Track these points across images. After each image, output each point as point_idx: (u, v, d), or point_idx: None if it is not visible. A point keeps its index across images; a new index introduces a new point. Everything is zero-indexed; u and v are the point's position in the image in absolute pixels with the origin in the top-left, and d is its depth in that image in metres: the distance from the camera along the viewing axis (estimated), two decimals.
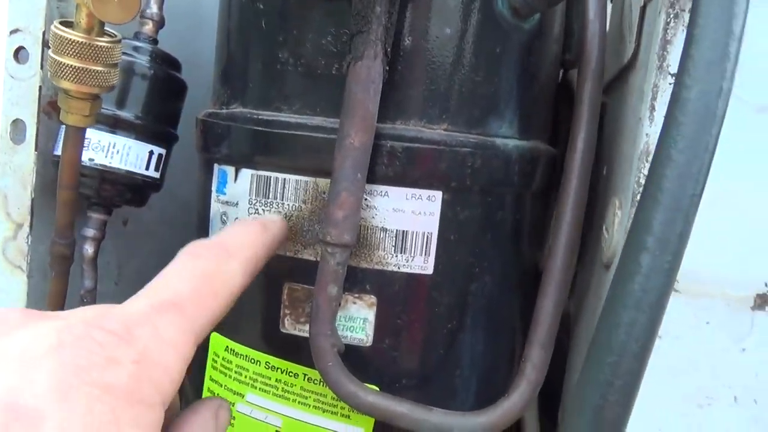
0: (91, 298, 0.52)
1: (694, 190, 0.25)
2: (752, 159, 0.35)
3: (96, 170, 0.47)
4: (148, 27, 0.52)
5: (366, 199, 0.45)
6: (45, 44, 0.49)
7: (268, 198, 0.47)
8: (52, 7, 0.51)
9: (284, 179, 0.46)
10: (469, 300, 0.48)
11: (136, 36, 0.51)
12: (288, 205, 0.46)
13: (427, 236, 0.45)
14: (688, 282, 0.36)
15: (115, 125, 0.47)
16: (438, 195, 0.45)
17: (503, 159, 0.47)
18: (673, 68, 0.38)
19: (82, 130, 0.41)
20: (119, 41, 0.39)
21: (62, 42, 0.36)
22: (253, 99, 0.48)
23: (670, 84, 0.38)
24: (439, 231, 0.46)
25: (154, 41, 0.52)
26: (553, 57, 0.52)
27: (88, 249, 0.51)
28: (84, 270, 0.51)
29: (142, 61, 0.49)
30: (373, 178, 0.45)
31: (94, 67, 0.38)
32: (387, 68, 0.42)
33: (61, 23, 0.37)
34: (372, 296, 0.46)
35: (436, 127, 0.45)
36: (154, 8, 0.52)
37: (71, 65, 0.37)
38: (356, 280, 0.46)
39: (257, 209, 0.47)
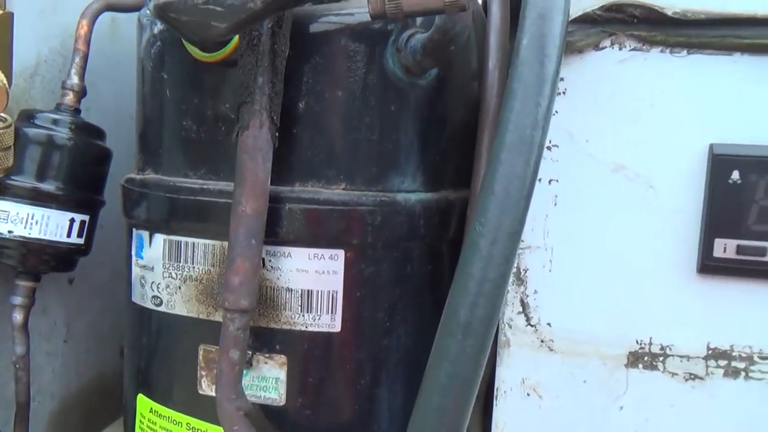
0: (23, 364, 0.53)
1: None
2: (614, 217, 0.35)
3: (16, 242, 0.49)
4: (69, 98, 0.54)
5: (270, 261, 0.46)
6: None
7: (180, 262, 0.48)
8: None
9: (193, 243, 0.48)
10: (382, 355, 0.48)
11: (58, 107, 0.54)
12: (198, 268, 0.47)
13: (333, 294, 0.46)
14: (563, 341, 0.36)
15: (35, 197, 0.49)
16: (340, 254, 0.46)
17: (406, 214, 0.47)
18: None
19: None
20: (10, 125, 0.41)
21: None
22: (163, 165, 0.50)
23: None
24: (344, 289, 0.46)
25: (76, 111, 0.54)
26: (468, 98, 0.52)
27: (17, 316, 0.52)
28: (14, 337, 0.53)
29: (62, 133, 0.51)
30: (275, 240, 0.46)
31: None
32: (277, 135, 0.44)
33: None
34: (282, 356, 0.47)
35: (335, 187, 0.46)
36: (74, 79, 0.54)
37: None
38: (266, 341, 0.47)
39: (171, 273, 0.48)
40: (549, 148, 0.37)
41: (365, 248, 0.46)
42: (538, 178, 0.38)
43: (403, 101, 0.47)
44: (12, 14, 0.37)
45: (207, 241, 0.47)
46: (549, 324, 0.36)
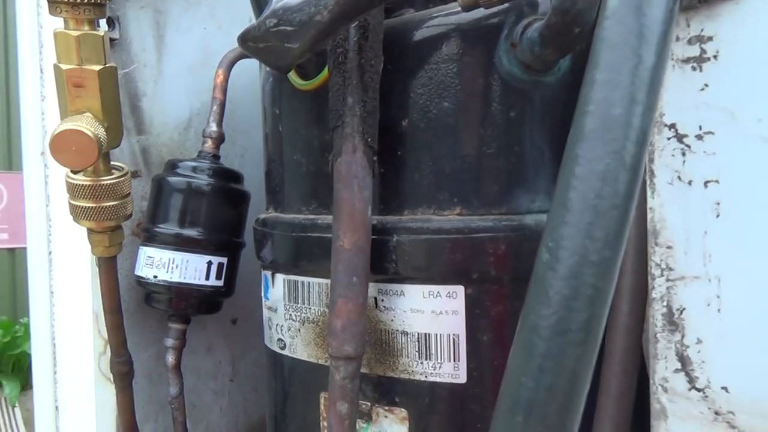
0: (178, 404, 0.55)
1: None
2: None
3: (162, 285, 0.52)
4: (208, 145, 0.56)
5: (382, 300, 0.41)
6: None
7: (298, 303, 0.45)
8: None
9: (309, 283, 0.45)
10: None
11: (199, 154, 0.56)
12: (314, 309, 0.44)
13: (454, 338, 0.39)
14: (751, 416, 0.24)
15: (178, 243, 0.51)
16: (459, 290, 0.39)
17: (537, 240, 0.38)
18: (670, 118, 0.28)
19: (112, 260, 0.46)
20: (126, 174, 0.42)
21: (74, 188, 0.41)
22: (281, 203, 0.48)
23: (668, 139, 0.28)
24: (467, 332, 0.39)
25: (216, 157, 0.56)
26: None
27: (170, 358, 0.55)
28: (169, 378, 0.55)
29: (201, 180, 0.52)
30: (385, 276, 0.40)
31: (106, 204, 0.42)
32: (375, 159, 0.39)
33: (73, 171, 0.41)
34: (402, 410, 0.41)
35: (448, 213, 0.39)
36: (213, 126, 0.57)
37: (86, 206, 0.41)
38: (384, 391, 0.41)
39: (291, 314, 0.46)
40: (701, 137, 0.26)
41: (489, 283, 0.39)
42: (687, 180, 0.27)
43: (526, 105, 0.39)
44: (115, 68, 0.39)
45: (320, 281, 0.44)
46: (725, 389, 0.24)
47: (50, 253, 1.01)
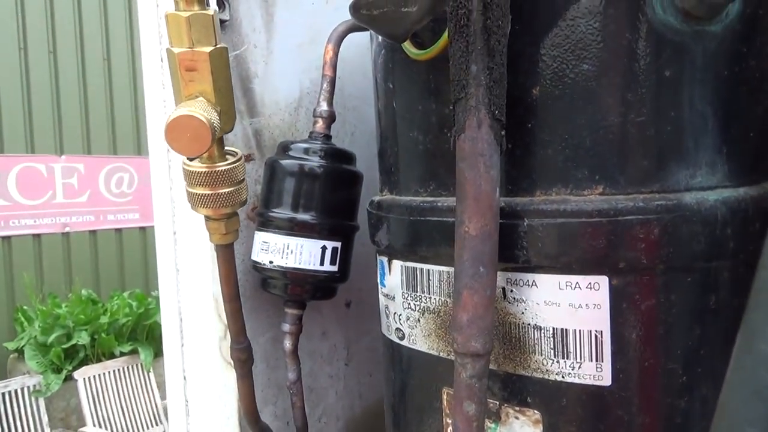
0: (296, 389, 0.54)
1: None
2: None
3: (277, 271, 0.51)
4: (319, 125, 0.54)
5: (511, 291, 0.37)
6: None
7: (417, 291, 0.42)
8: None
9: (428, 270, 0.41)
10: (678, 422, 0.34)
11: (310, 135, 0.54)
12: (435, 299, 0.41)
13: (596, 335, 0.34)
14: None
15: (292, 228, 0.50)
16: (603, 281, 0.34)
17: (701, 222, 0.33)
18: None
19: (229, 247, 0.45)
20: (240, 159, 0.41)
21: (190, 175, 0.40)
22: (398, 184, 0.45)
23: None
24: (612, 328, 0.34)
25: (327, 137, 0.54)
26: None
27: (287, 343, 0.54)
28: (287, 363, 0.54)
29: (313, 162, 0.50)
30: (516, 265, 0.36)
31: (222, 190, 0.41)
32: (503, 134, 0.34)
33: (189, 158, 0.41)
34: (536, 412, 0.37)
35: (588, 193, 0.34)
36: (323, 106, 0.54)
37: (202, 194, 0.40)
38: (515, 390, 0.38)
39: (409, 303, 0.43)
40: None
41: (640, 273, 0.34)
42: None
43: (685, 61, 0.33)
44: (226, 49, 0.37)
45: (441, 268, 0.40)
46: None
47: (174, 233, 1.06)
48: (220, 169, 0.40)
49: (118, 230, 5.17)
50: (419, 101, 0.41)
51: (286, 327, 0.53)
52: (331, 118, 0.54)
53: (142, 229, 5.26)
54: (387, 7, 0.32)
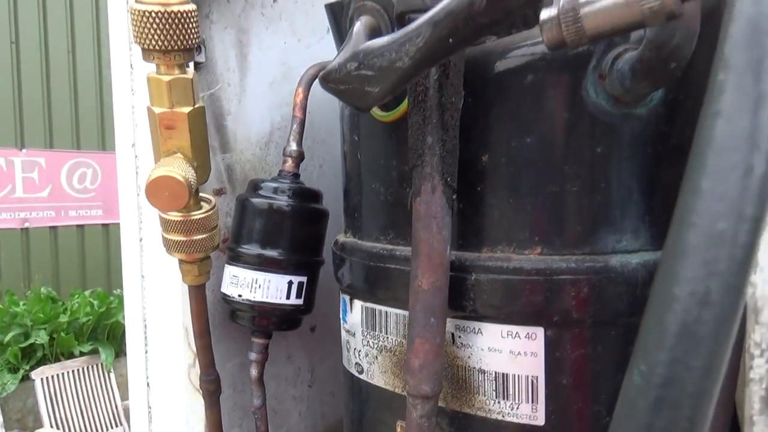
0: (261, 414, 0.57)
1: None
2: None
3: (245, 304, 0.54)
4: (288, 164, 0.57)
5: (459, 336, 0.41)
6: None
7: (375, 330, 0.46)
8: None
9: (386, 312, 0.45)
10: None
11: (279, 174, 0.57)
12: (391, 339, 0.45)
13: (532, 380, 0.38)
14: None
15: (260, 263, 0.53)
16: (539, 332, 0.38)
17: (624, 282, 0.37)
18: None
19: (201, 287, 0.48)
20: (213, 207, 0.44)
21: (166, 223, 0.43)
22: (360, 228, 0.49)
23: None
24: (546, 374, 0.38)
25: (295, 176, 0.57)
26: None
27: (253, 371, 0.57)
28: (252, 390, 0.57)
29: (281, 202, 0.54)
30: (463, 313, 0.40)
31: (197, 237, 0.44)
32: (454, 198, 0.38)
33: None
34: None
35: (528, 252, 0.39)
36: (293, 146, 0.57)
37: (177, 240, 0.43)
38: (461, 427, 0.41)
39: (368, 341, 0.47)
40: None
41: (571, 326, 0.38)
42: None
43: (614, 139, 0.37)
44: (204, 108, 0.40)
45: (398, 311, 0.44)
46: None
47: (141, 240, 1.08)
48: (195, 217, 0.43)
49: (80, 226, 5.08)
50: (381, 157, 0.45)
51: (253, 356, 0.56)
52: (300, 158, 0.57)
53: (105, 226, 5.17)
54: (353, 84, 0.35)
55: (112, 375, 3.92)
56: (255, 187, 0.55)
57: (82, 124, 5.11)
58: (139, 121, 1.02)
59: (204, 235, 0.44)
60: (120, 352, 4.56)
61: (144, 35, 0.36)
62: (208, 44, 0.56)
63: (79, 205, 5.11)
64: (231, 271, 0.54)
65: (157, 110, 0.39)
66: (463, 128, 0.39)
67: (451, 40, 0.32)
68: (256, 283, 0.52)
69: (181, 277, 0.47)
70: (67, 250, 4.98)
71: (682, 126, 0.38)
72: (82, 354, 4.03)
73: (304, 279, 0.54)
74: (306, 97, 0.58)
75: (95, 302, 4.36)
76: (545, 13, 0.31)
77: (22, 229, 4.75)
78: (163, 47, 0.36)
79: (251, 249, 0.53)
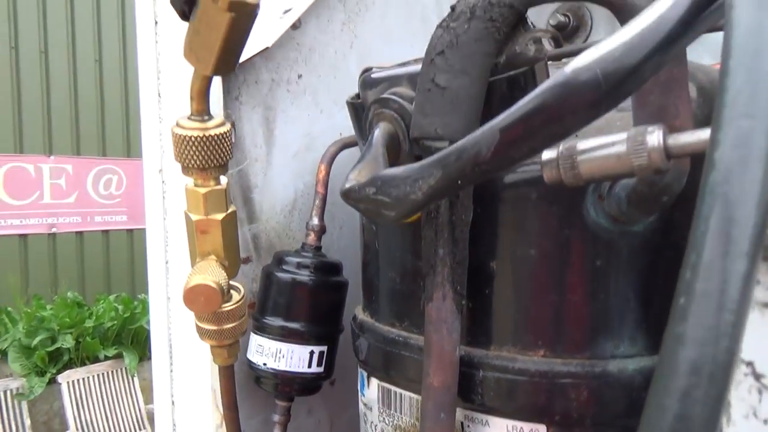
0: None
1: None
2: None
3: (269, 372, 0.58)
4: (311, 237, 0.61)
5: (468, 426, 0.44)
6: None
7: (390, 409, 0.49)
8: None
9: (401, 394, 0.48)
10: None
11: (303, 247, 0.61)
12: (405, 420, 0.48)
13: None
14: None
15: (283, 335, 0.57)
16: (542, 428, 0.41)
17: (621, 387, 0.40)
18: (747, 355, 0.28)
19: (230, 367, 0.52)
20: (242, 297, 0.48)
21: (200, 315, 0.47)
22: (377, 311, 0.52)
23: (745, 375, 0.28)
24: None
25: (318, 249, 0.61)
26: None
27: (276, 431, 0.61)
28: None
29: (304, 276, 0.58)
30: (471, 405, 0.44)
31: (227, 326, 0.47)
32: (463, 303, 0.42)
33: None
34: None
35: (532, 354, 0.42)
36: (315, 220, 0.61)
37: (209, 329, 0.47)
38: None
39: (384, 418, 0.50)
40: None
41: (572, 425, 0.41)
42: (763, 418, 0.28)
43: (612, 254, 0.40)
44: (235, 212, 0.44)
45: (412, 395, 0.47)
46: None
47: (167, 262, 1.16)
48: (226, 309, 0.47)
49: (105, 232, 5.19)
50: (398, 250, 0.48)
51: (276, 417, 0.60)
52: (321, 231, 0.61)
53: (130, 231, 5.28)
54: (370, 206, 0.39)
55: (136, 379, 4.01)
56: (279, 261, 0.59)
57: (108, 131, 5.23)
58: (166, 146, 1.10)
59: (234, 324, 0.48)
60: (143, 356, 4.65)
61: (183, 156, 0.40)
62: (238, 124, 0.60)
63: (105, 211, 5.23)
64: (256, 340, 0.58)
65: (194, 217, 0.43)
66: (474, 235, 0.42)
67: (459, 181, 0.35)
68: (279, 353, 0.56)
69: (212, 359, 0.51)
70: (92, 255, 5.10)
71: (676, 239, 0.41)
72: (107, 358, 4.12)
73: (324, 348, 0.58)
74: (328, 173, 0.61)
75: (120, 307, 4.46)
76: (546, 155, 0.35)
77: (49, 234, 4.87)
78: (201, 165, 0.40)
79: (275, 321, 0.57)
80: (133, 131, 5.33)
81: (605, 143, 0.33)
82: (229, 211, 0.43)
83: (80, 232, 5.06)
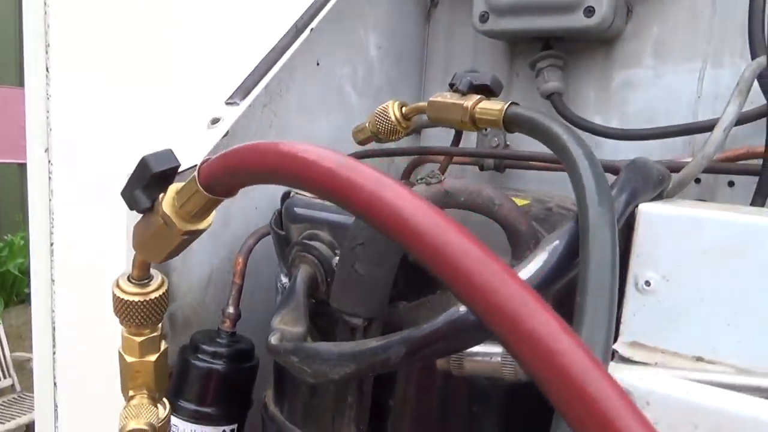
0: None
1: None
2: None
3: None
4: (227, 324, 0.66)
5: None
6: None
7: None
8: None
9: None
10: None
11: (218, 332, 0.66)
12: None
13: None
14: None
15: (196, 418, 0.63)
16: None
17: None
18: None
19: None
20: (168, 415, 0.53)
21: None
22: (284, 410, 0.60)
23: None
24: None
25: (232, 334, 0.66)
26: None
27: None
28: None
29: (217, 365, 0.63)
30: None
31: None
32: None
33: None
34: None
35: None
36: (230, 309, 0.66)
37: None
38: None
39: None
40: None
41: None
42: None
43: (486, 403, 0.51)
44: (166, 349, 0.48)
45: None
46: None
47: (52, 244, 1.15)
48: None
49: None
50: None
51: None
52: (236, 318, 0.66)
53: None
54: (293, 368, 0.46)
55: (1, 326, 3.80)
56: (195, 348, 0.64)
57: None
58: (54, 126, 1.10)
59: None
60: (9, 301, 4.38)
61: (124, 316, 0.44)
62: None
63: None
64: (172, 420, 0.63)
65: (129, 360, 0.47)
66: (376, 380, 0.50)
67: (370, 373, 0.43)
68: None
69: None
70: None
71: None
72: None
73: (234, 426, 0.65)
74: (245, 265, 0.67)
75: None
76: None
77: None
78: (140, 323, 0.45)
79: (189, 405, 0.63)
80: None
81: (487, 352, 0.43)
82: (162, 349, 0.48)
83: None
